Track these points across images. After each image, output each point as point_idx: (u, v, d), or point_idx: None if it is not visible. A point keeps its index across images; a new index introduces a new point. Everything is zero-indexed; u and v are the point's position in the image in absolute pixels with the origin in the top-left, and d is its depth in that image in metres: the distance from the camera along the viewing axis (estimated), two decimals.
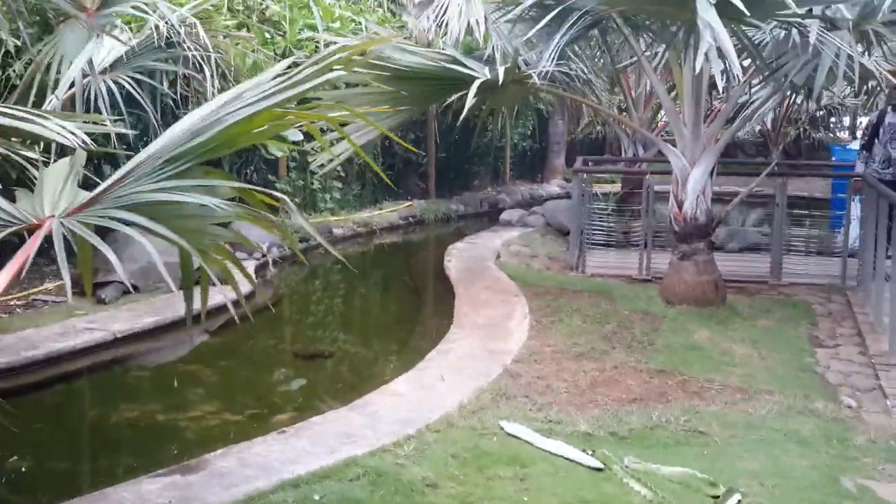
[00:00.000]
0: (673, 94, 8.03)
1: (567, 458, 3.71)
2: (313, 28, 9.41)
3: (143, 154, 2.56)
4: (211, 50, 6.33)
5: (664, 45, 6.14)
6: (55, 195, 2.55)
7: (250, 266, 7.51)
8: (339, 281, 8.58)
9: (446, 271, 8.08)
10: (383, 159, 11.47)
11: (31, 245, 2.21)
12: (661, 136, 9.61)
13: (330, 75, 2.44)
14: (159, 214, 2.36)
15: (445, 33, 8.33)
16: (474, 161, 13.84)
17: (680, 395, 4.60)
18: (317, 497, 3.30)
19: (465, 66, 6.63)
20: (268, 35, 8.88)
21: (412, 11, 11.09)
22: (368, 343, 6.40)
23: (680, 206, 6.58)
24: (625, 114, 11.20)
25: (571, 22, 5.75)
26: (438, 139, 11.49)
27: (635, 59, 9.15)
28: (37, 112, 3.18)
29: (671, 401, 4.51)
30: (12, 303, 6.35)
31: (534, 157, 16.06)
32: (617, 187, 11.60)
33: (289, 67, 2.91)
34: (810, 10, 5.27)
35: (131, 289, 5.79)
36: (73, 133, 2.82)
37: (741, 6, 3.88)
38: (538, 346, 5.44)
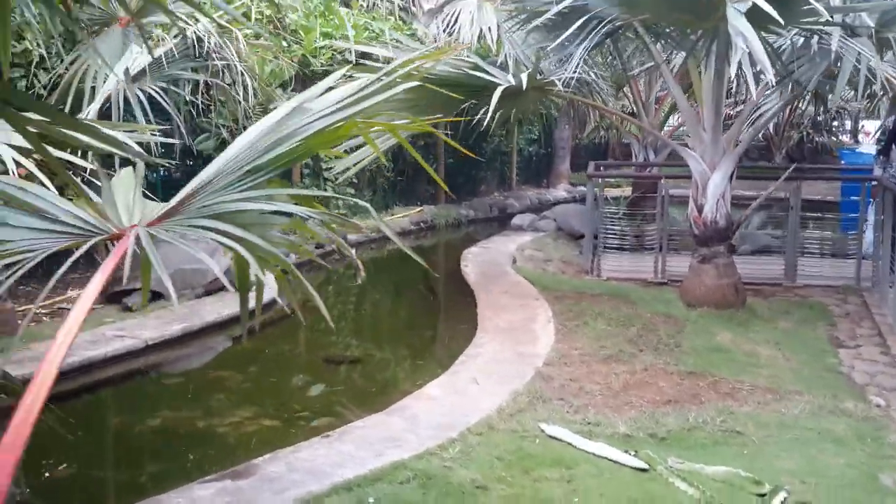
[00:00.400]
0: (687, 95, 8.11)
1: (611, 460, 3.78)
2: (328, 36, 9.48)
3: (204, 173, 2.60)
4: (238, 59, 6.38)
5: (684, 52, 6.22)
6: (129, 205, 2.60)
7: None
8: (359, 285, 8.62)
9: (464, 276, 8.15)
10: (394, 164, 11.53)
11: (119, 253, 2.27)
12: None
13: (398, 88, 2.52)
14: (233, 223, 2.42)
15: (457, 40, 8.42)
16: (482, 166, 13.93)
17: (713, 397, 4.67)
18: (371, 500, 3.37)
19: (487, 72, 6.71)
20: (285, 43, 8.94)
21: (422, 20, 11.19)
22: (396, 348, 6.45)
23: (700, 209, 6.65)
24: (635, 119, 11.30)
25: (593, 30, 5.83)
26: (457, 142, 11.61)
27: (648, 65, 9.27)
28: (86, 122, 3.25)
29: (705, 402, 4.58)
30: (38, 311, 6.39)
31: (539, 161, 16.16)
32: (624, 191, 11.69)
33: (341, 78, 3.00)
34: (832, 17, 5.36)
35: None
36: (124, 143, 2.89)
37: (775, 14, 3.95)
38: (566, 350, 5.51)
